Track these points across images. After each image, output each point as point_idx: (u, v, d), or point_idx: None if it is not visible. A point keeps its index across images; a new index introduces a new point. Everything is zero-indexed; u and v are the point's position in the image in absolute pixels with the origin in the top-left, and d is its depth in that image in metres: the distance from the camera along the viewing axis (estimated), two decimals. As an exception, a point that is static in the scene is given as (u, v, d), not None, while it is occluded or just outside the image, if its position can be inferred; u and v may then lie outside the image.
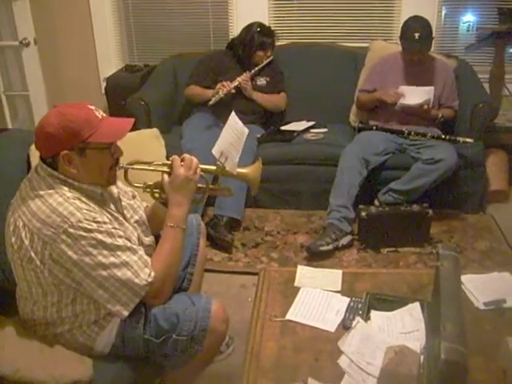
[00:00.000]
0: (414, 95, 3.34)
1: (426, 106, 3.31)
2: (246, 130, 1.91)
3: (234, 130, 1.84)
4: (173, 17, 4.28)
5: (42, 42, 4.01)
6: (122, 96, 3.71)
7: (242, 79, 3.53)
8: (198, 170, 1.76)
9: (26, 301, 1.67)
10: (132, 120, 1.68)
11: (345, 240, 3.09)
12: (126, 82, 4.06)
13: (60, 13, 4.23)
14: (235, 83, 3.50)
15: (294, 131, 3.62)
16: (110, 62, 4.37)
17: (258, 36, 3.62)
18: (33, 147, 2.26)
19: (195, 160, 1.76)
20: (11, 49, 4.12)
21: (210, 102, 3.46)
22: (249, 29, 3.67)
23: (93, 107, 1.62)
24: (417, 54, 3.36)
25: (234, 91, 3.49)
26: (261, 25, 3.69)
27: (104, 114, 1.64)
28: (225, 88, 3.45)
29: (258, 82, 3.70)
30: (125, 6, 4.32)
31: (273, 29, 3.76)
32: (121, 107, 3.62)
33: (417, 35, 3.26)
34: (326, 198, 3.21)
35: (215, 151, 1.78)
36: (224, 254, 3.08)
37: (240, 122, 1.88)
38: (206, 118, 3.60)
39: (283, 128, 3.69)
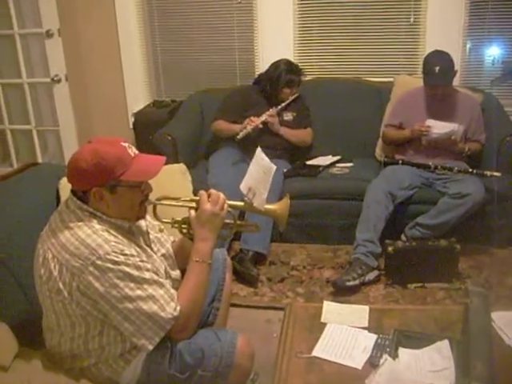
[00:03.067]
0: (441, 128, 3.33)
1: (453, 137, 3.29)
2: (274, 167, 1.92)
3: (261, 167, 1.85)
4: (199, 53, 4.37)
5: (72, 79, 4.12)
6: (150, 131, 3.76)
7: (269, 115, 3.57)
8: (225, 206, 1.77)
9: (53, 333, 1.68)
10: (164, 158, 1.71)
11: (371, 275, 3.05)
12: (153, 117, 4.14)
13: (90, 49, 4.35)
14: (262, 118, 3.54)
15: (319, 166, 3.63)
16: (137, 97, 4.46)
17: (285, 74, 3.67)
18: (62, 181, 2.31)
19: (222, 196, 1.78)
20: (43, 85, 4.23)
21: (238, 137, 3.50)
22: (276, 66, 3.72)
23: (126, 144, 1.65)
24: (438, 87, 3.36)
25: (261, 126, 3.52)
26: (288, 62, 3.74)
27: (136, 151, 1.67)
28: (253, 123, 3.49)
29: (285, 117, 3.73)
30: (153, 44, 4.43)
31: (300, 66, 3.80)
32: (148, 142, 3.67)
33: (437, 69, 3.26)
34: (352, 233, 3.19)
35: (243, 187, 1.79)
36: (249, 289, 3.06)
37: (266, 158, 1.88)
38: (233, 152, 3.63)
39: (309, 163, 3.70)
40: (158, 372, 1.67)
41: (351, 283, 2.96)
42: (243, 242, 3.21)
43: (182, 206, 1.80)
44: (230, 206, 1.79)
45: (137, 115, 4.23)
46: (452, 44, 3.79)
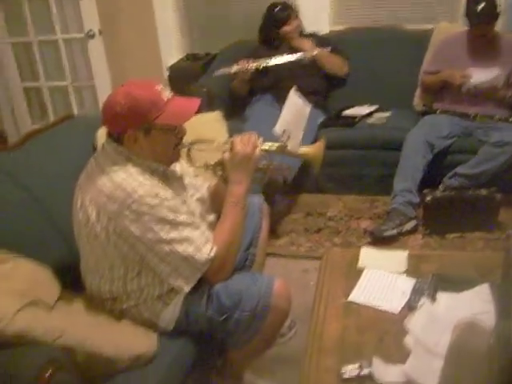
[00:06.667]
0: (482, 76, 3.22)
1: (495, 84, 3.18)
2: (309, 106, 1.88)
3: (296, 107, 1.81)
4: (233, 3, 4.29)
5: (106, 34, 4.12)
6: (185, 84, 3.72)
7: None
8: (258, 149, 1.75)
9: (92, 276, 1.71)
10: (198, 100, 1.69)
11: (409, 225, 3.01)
12: (188, 70, 4.11)
13: (123, 4, 4.29)
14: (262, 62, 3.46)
15: (356, 116, 3.55)
16: (171, 50, 4.42)
17: (274, 14, 3.64)
18: (98, 132, 2.32)
19: (254, 137, 1.75)
20: (77, 41, 4.24)
21: (216, 73, 3.46)
22: (265, 15, 3.71)
23: (160, 87, 1.64)
24: (482, 27, 3.22)
25: (252, 67, 3.44)
26: (272, 4, 3.70)
27: (170, 94, 1.66)
28: (241, 65, 3.43)
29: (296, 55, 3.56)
30: (186, -5, 4.36)
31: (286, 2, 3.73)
32: (184, 95, 3.64)
33: (479, 7, 3.13)
34: (389, 183, 3.15)
35: (277, 129, 1.77)
36: (286, 239, 3.06)
37: (301, 99, 1.85)
38: (269, 101, 3.55)
39: (345, 113, 3.63)
40: (196, 314, 1.69)
41: (389, 233, 2.93)
42: None
43: (215, 149, 1.78)
44: (264, 148, 1.77)
45: (171, 68, 4.21)
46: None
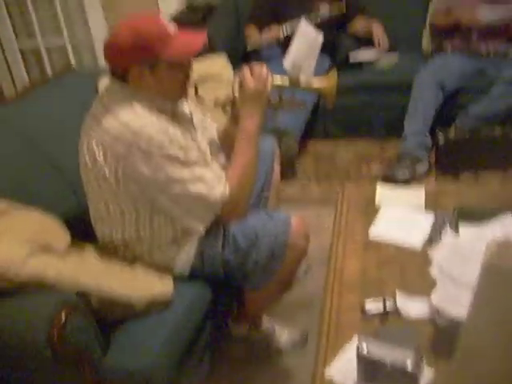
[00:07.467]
0: (493, 12, 3.10)
1: (506, 20, 3.07)
2: (321, 36, 1.79)
3: (307, 37, 1.73)
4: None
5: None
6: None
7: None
8: (269, 82, 1.67)
9: (103, 222, 1.66)
10: (204, 34, 1.60)
11: (422, 167, 2.95)
12: (187, 21, 3.97)
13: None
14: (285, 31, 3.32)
15: (362, 63, 3.44)
16: (171, 1, 4.27)
17: None
18: (101, 82, 2.24)
19: (265, 70, 1.66)
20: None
21: (248, 47, 3.31)
22: None
23: (166, 21, 1.56)
24: None
25: (282, 37, 3.22)
26: None
27: (176, 28, 1.57)
28: (271, 34, 3.28)
29: (322, 11, 3.46)
30: None
31: None
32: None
33: None
34: (399, 127, 3.07)
35: (287, 63, 1.69)
36: (297, 185, 3.01)
37: (311, 28, 1.76)
38: (276, 55, 3.44)
39: (352, 60, 3.50)
40: (212, 256, 1.65)
41: (401, 176, 2.87)
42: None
43: (224, 84, 1.71)
44: (275, 83, 1.69)
45: (171, 19, 4.08)
46: None
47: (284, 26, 3.28)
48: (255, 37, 3.39)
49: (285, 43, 3.21)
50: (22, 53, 4.38)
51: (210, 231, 1.62)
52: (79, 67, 4.23)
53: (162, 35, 1.52)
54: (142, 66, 1.52)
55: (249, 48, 3.33)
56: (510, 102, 2.96)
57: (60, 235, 1.59)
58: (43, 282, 1.35)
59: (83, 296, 1.41)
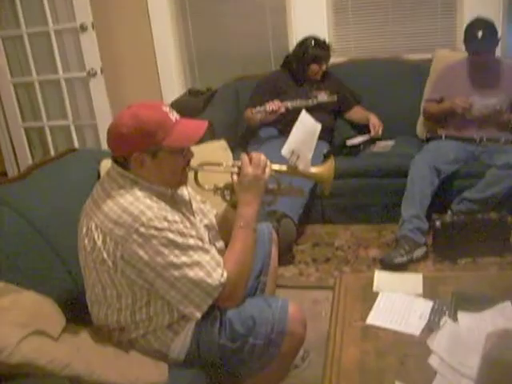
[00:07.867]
0: (484, 102, 3.20)
1: (498, 107, 3.17)
2: (319, 125, 1.85)
3: (306, 128, 1.78)
4: (233, 39, 4.32)
5: (107, 72, 4.13)
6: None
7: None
8: (267, 169, 1.71)
9: (99, 305, 1.65)
10: (206, 122, 1.66)
11: (419, 252, 2.95)
12: (189, 105, 4.08)
13: (124, 41, 4.33)
14: (287, 105, 3.42)
15: (359, 144, 3.52)
16: (172, 87, 4.43)
17: (311, 49, 3.58)
18: (103, 163, 2.29)
19: (264, 158, 1.71)
20: (79, 80, 4.25)
21: (253, 111, 3.41)
22: (302, 42, 3.66)
23: (167, 109, 1.61)
24: (481, 54, 3.23)
25: (283, 110, 3.40)
26: (315, 38, 3.65)
27: (178, 116, 1.63)
28: (273, 106, 3.39)
29: (319, 98, 3.59)
30: (185, 33, 4.39)
31: (327, 42, 3.70)
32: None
33: (479, 34, 3.13)
34: (396, 211, 3.10)
35: (285, 150, 1.74)
36: (295, 270, 3.00)
37: (311, 119, 1.82)
38: (275, 133, 3.55)
39: (349, 143, 3.59)
40: (208, 342, 1.62)
41: (399, 260, 2.87)
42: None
43: (223, 171, 1.74)
44: (273, 170, 1.73)
45: (173, 105, 4.20)
46: (493, 14, 3.63)
47: (285, 102, 3.42)
48: (260, 108, 3.47)
49: (283, 122, 3.33)
50: (27, 131, 4.49)
51: (207, 317, 1.60)
52: (82, 147, 4.33)
53: (164, 123, 1.57)
54: (144, 152, 1.56)
55: (254, 112, 3.41)
56: (505, 186, 3.00)
57: (55, 319, 1.57)
58: (35, 366, 1.32)
59: (76, 382, 1.38)
